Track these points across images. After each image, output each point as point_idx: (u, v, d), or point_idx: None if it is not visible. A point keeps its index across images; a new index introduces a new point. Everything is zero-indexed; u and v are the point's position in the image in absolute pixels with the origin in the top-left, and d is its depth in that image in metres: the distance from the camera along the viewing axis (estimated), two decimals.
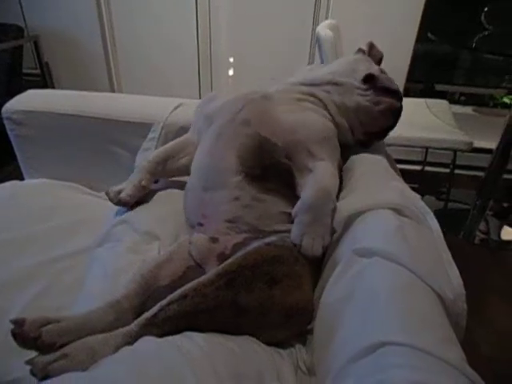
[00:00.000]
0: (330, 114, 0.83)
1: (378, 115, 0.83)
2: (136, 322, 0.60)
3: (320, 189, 0.69)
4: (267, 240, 0.67)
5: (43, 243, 0.90)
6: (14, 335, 0.55)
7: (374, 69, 0.86)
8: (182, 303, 0.59)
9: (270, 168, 0.75)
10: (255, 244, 0.66)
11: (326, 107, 0.83)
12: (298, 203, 0.70)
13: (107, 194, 0.88)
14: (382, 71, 0.88)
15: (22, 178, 1.21)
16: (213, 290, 0.59)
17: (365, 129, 0.85)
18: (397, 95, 0.84)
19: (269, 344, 0.64)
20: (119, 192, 0.87)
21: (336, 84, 0.84)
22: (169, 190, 0.94)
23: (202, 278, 0.61)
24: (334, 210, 0.70)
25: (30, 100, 1.17)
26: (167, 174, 0.93)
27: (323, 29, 1.40)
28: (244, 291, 0.60)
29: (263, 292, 0.61)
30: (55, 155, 1.17)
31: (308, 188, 0.70)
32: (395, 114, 0.84)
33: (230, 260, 0.63)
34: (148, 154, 1.03)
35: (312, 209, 0.68)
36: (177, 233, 0.86)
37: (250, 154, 0.74)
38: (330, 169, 0.74)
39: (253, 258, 0.63)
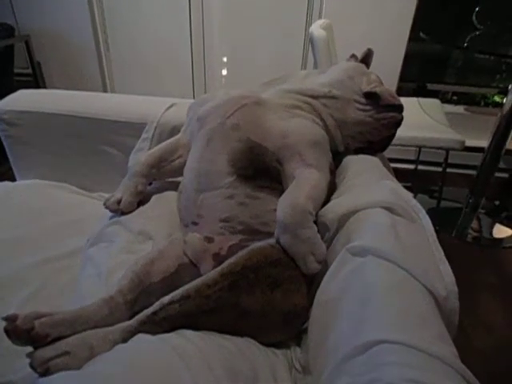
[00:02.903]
0: (326, 126, 0.82)
1: (380, 127, 0.84)
2: (135, 318, 0.60)
3: (290, 205, 0.66)
4: (270, 241, 0.67)
5: (36, 244, 0.89)
6: (7, 332, 0.55)
7: (373, 80, 0.86)
8: (184, 303, 0.59)
9: (263, 170, 0.75)
10: (259, 244, 0.66)
11: (321, 118, 0.82)
12: (276, 225, 0.68)
13: (106, 206, 0.86)
14: (379, 80, 0.88)
15: (14, 180, 1.21)
16: (215, 292, 0.59)
17: (365, 138, 0.85)
18: (399, 109, 0.85)
19: (265, 344, 0.65)
20: (118, 201, 0.86)
21: (333, 97, 0.83)
22: (162, 190, 0.94)
23: (206, 278, 0.61)
24: (316, 221, 0.68)
25: (21, 100, 1.16)
26: (161, 176, 0.92)
27: (316, 28, 1.41)
28: (246, 294, 0.60)
29: (265, 295, 0.61)
30: (47, 155, 1.16)
31: (280, 206, 0.68)
32: (397, 125, 0.86)
33: (233, 259, 0.63)
34: (141, 154, 1.02)
35: (287, 228, 0.65)
36: (170, 233, 0.85)
37: (240, 157, 0.74)
38: (313, 177, 0.71)
39: (257, 258, 0.63)
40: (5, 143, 1.17)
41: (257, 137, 0.74)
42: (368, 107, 0.83)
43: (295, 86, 0.85)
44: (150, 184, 0.93)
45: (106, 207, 0.86)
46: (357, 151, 0.87)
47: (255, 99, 0.79)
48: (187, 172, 0.81)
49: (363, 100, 0.83)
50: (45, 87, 2.26)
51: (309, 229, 0.65)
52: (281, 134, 0.74)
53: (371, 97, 0.83)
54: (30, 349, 0.56)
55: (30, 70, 2.19)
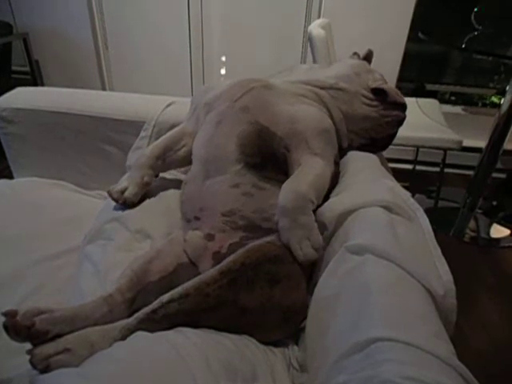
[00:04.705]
0: (332, 118, 0.82)
1: (384, 125, 0.85)
2: (135, 316, 0.60)
3: (293, 191, 0.67)
4: (268, 238, 0.67)
5: (34, 242, 0.89)
6: (6, 328, 0.54)
7: (378, 78, 0.87)
8: (184, 302, 0.59)
9: (270, 157, 0.74)
10: (257, 242, 0.66)
11: (328, 109, 0.82)
12: (277, 208, 0.69)
13: (110, 194, 0.85)
14: (383, 79, 0.89)
15: (12, 177, 1.20)
16: (215, 289, 0.59)
17: (369, 135, 0.86)
18: (403, 107, 0.86)
19: (263, 343, 0.65)
20: (122, 191, 0.85)
21: (340, 90, 0.83)
22: (162, 188, 0.94)
23: (205, 276, 0.61)
24: (315, 210, 0.69)
25: (19, 97, 1.15)
26: (167, 167, 0.91)
27: (315, 28, 1.41)
28: (245, 291, 0.60)
29: (264, 291, 0.62)
30: (45, 153, 1.16)
31: (282, 191, 0.68)
32: (399, 123, 0.87)
33: (231, 257, 0.63)
34: (139, 152, 1.02)
35: (288, 212, 0.66)
36: (169, 231, 0.85)
37: (249, 141, 0.73)
38: (317, 166, 0.72)
39: (255, 256, 0.63)
40: (2, 140, 1.17)
41: (266, 120, 0.74)
42: (375, 103, 0.84)
43: (301, 78, 0.86)
44: (156, 176, 0.92)
45: (110, 195, 0.85)
46: (359, 149, 0.87)
47: (264, 83, 0.79)
48: (195, 159, 0.80)
49: (371, 95, 0.84)
50: (42, 85, 2.25)
51: (308, 216, 0.66)
52: (289, 119, 0.74)
53: (379, 93, 0.84)
54: (26, 347, 0.56)
55: (27, 68, 2.19)
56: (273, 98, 0.77)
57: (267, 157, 0.74)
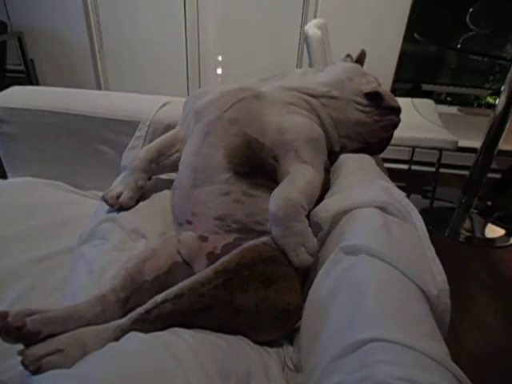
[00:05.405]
0: (323, 125, 0.82)
1: (378, 129, 0.85)
2: (128, 316, 0.60)
3: (283, 198, 0.66)
4: (263, 239, 0.67)
5: (27, 242, 0.88)
6: None
7: (371, 81, 0.87)
8: (178, 302, 0.58)
9: (259, 166, 0.74)
10: (251, 242, 0.66)
11: (319, 117, 0.82)
12: (268, 217, 0.68)
13: (105, 200, 0.85)
14: (377, 81, 0.88)
15: (6, 177, 1.19)
16: (210, 290, 0.59)
17: (364, 139, 0.86)
18: (397, 111, 0.86)
19: (258, 343, 0.65)
20: (117, 196, 0.85)
21: (333, 98, 0.83)
22: (156, 188, 0.94)
23: (199, 276, 0.60)
24: (308, 215, 0.68)
25: (13, 97, 1.14)
26: (160, 171, 0.91)
27: (311, 28, 1.41)
28: (240, 291, 0.60)
29: (258, 292, 0.61)
30: (39, 153, 1.15)
31: (272, 199, 0.68)
32: (394, 127, 0.87)
33: (227, 257, 0.62)
34: (134, 152, 1.02)
35: (279, 220, 0.65)
36: (164, 231, 0.85)
37: (237, 152, 0.73)
38: (307, 173, 0.72)
39: (250, 256, 0.63)
40: None
41: (254, 132, 0.74)
42: (368, 108, 0.84)
43: (293, 84, 0.85)
44: (149, 179, 0.92)
45: (105, 200, 0.85)
46: (355, 152, 0.87)
47: (253, 93, 0.79)
48: (183, 167, 0.80)
49: (364, 101, 0.84)
50: (38, 85, 2.24)
51: (300, 222, 0.66)
52: (278, 130, 0.74)
53: (374, 97, 0.84)
54: (17, 348, 0.55)
55: (22, 67, 2.17)
56: (262, 109, 0.76)
57: (256, 166, 0.74)
